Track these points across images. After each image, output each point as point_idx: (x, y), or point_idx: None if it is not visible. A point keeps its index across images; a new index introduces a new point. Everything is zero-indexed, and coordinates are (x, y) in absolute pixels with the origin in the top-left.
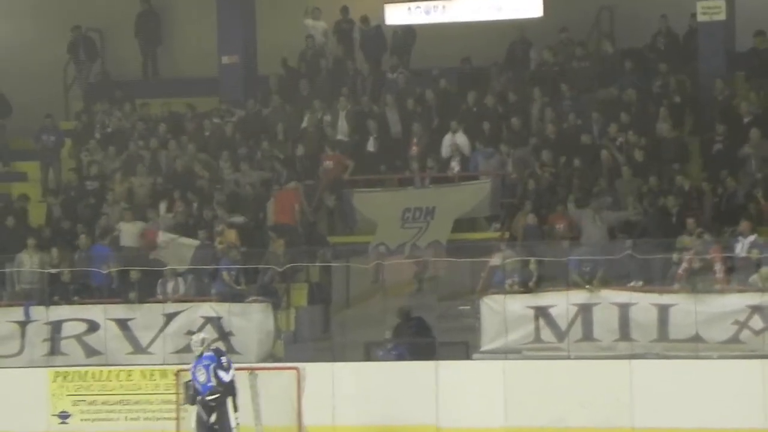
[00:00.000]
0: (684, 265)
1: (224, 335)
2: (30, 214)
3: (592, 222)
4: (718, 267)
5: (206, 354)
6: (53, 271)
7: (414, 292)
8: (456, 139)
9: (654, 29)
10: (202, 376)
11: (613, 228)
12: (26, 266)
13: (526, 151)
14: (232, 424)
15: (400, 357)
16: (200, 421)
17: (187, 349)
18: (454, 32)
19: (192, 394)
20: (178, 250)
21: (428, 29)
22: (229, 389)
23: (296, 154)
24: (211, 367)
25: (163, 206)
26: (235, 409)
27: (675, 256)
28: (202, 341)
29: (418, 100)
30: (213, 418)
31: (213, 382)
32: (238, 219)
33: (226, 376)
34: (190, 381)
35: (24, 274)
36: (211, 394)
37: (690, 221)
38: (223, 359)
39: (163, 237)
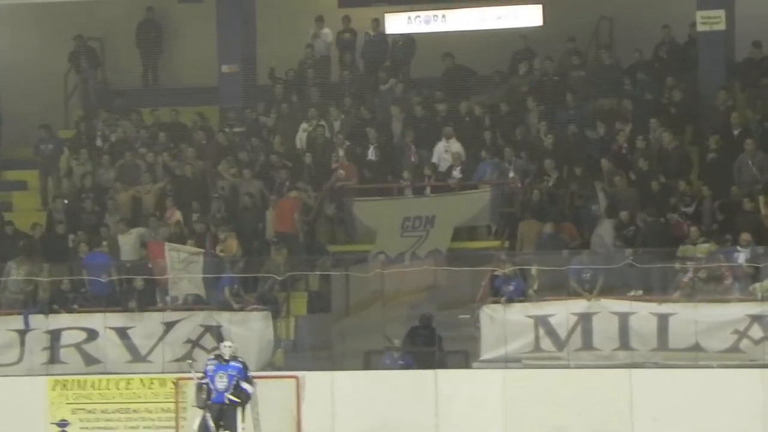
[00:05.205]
0: (689, 274)
1: None
2: (26, 222)
3: (605, 231)
4: (727, 276)
5: (233, 363)
6: (49, 279)
7: (417, 301)
8: (450, 147)
9: (654, 39)
10: (221, 384)
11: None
12: (13, 275)
13: (527, 161)
14: None
15: (406, 366)
16: (204, 429)
17: (186, 357)
18: (454, 41)
19: (204, 397)
20: (186, 265)
21: (428, 38)
22: (246, 401)
23: (305, 163)
24: (236, 378)
25: (178, 214)
26: (243, 419)
27: (678, 265)
28: (234, 349)
29: (416, 110)
30: None
31: (231, 393)
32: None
33: (250, 389)
34: (203, 383)
35: (11, 282)
36: (232, 398)
37: (694, 230)
38: (250, 373)
39: (169, 248)
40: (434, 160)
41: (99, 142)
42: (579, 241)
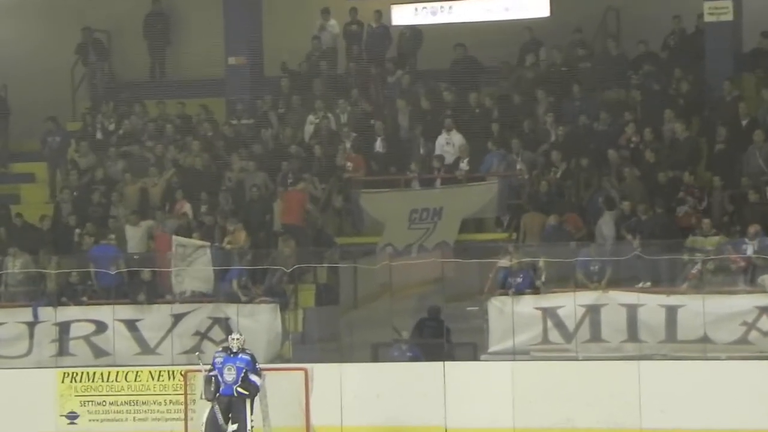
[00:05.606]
0: (698, 266)
1: None
2: (34, 215)
3: (605, 223)
4: (738, 262)
5: (242, 356)
6: (55, 272)
7: (425, 293)
8: (452, 138)
9: (661, 30)
10: (230, 376)
11: (621, 228)
12: (9, 269)
13: (536, 153)
14: (248, 426)
15: (414, 358)
16: (213, 421)
17: (194, 349)
18: (460, 33)
19: (213, 390)
20: (190, 262)
21: (435, 30)
22: (255, 393)
23: (314, 155)
24: (244, 370)
25: (188, 206)
26: (251, 411)
27: (686, 257)
28: (242, 341)
29: (424, 102)
30: (231, 427)
31: (240, 385)
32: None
33: (258, 381)
34: (211, 375)
35: (10, 275)
36: (240, 391)
37: (706, 222)
38: (258, 365)
39: (176, 242)
40: (437, 152)
41: (99, 135)
42: (584, 232)
